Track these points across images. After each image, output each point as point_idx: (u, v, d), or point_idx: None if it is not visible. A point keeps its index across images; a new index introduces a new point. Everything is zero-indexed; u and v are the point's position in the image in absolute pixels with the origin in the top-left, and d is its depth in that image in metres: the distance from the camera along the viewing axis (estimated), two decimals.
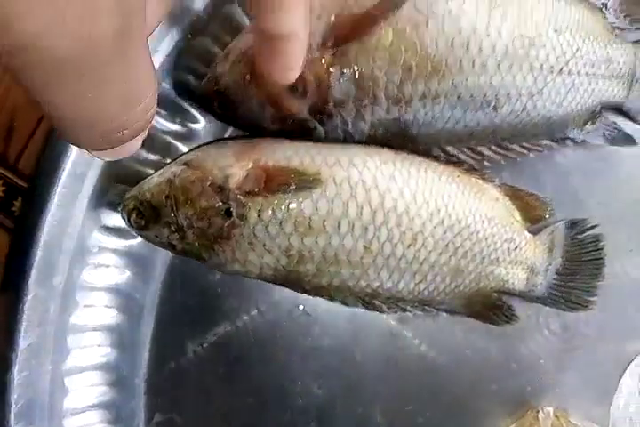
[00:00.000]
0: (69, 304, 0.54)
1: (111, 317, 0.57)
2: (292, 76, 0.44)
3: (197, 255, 0.53)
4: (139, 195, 0.52)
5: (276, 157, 0.52)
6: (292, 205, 0.51)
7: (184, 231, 0.51)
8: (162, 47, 0.52)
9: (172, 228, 0.52)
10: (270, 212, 0.51)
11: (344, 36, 0.49)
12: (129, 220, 0.53)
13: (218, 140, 0.57)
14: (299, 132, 0.53)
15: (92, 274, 0.55)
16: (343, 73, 0.50)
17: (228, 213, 0.51)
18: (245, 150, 0.53)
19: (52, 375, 0.53)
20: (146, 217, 0.52)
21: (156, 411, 0.60)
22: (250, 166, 0.51)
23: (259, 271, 0.53)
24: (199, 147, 0.56)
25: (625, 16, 0.57)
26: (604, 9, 0.57)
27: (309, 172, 0.51)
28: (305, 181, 0.51)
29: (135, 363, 0.59)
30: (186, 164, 0.53)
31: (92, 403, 0.57)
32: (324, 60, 0.50)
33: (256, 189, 0.51)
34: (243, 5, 0.55)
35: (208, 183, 0.51)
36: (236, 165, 0.52)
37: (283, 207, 0.51)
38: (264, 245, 0.51)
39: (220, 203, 0.51)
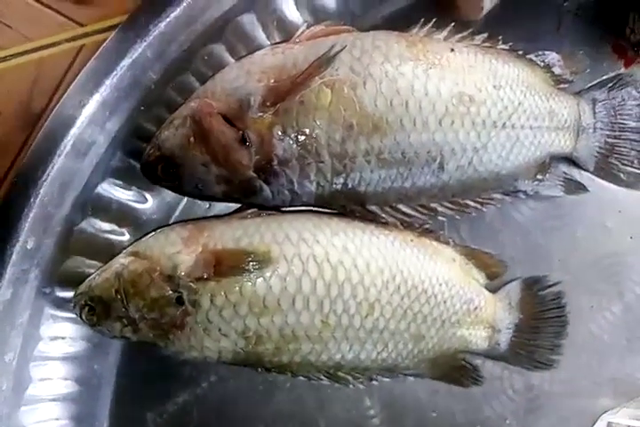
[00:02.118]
0: (23, 379, 0.53)
1: (68, 388, 0.57)
2: None
3: (153, 345, 0.53)
4: (88, 290, 0.52)
5: (225, 238, 0.52)
6: (245, 287, 0.51)
7: (137, 324, 0.51)
8: (115, 119, 0.53)
9: (125, 321, 0.52)
10: (223, 296, 0.51)
11: (283, 92, 0.50)
12: (81, 316, 0.53)
13: (166, 226, 0.57)
14: (245, 193, 0.54)
15: (47, 346, 0.54)
16: (285, 132, 0.51)
17: (179, 302, 0.51)
18: (193, 235, 0.53)
19: None
20: (97, 312, 0.52)
21: None
22: (199, 251, 0.52)
23: (217, 356, 0.53)
24: (147, 234, 0.56)
25: (567, 68, 0.59)
26: (545, 64, 0.59)
27: (259, 251, 0.51)
28: (255, 262, 0.51)
29: None
30: (134, 253, 0.53)
31: None
32: (265, 119, 0.51)
33: (206, 275, 0.51)
34: (196, 74, 0.56)
35: (157, 273, 0.51)
36: (184, 252, 0.52)
37: (235, 290, 0.51)
38: (219, 329, 0.51)
39: (171, 292, 0.51)
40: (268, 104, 0.51)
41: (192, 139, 0.52)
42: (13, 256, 0.50)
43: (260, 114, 0.51)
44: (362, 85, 0.52)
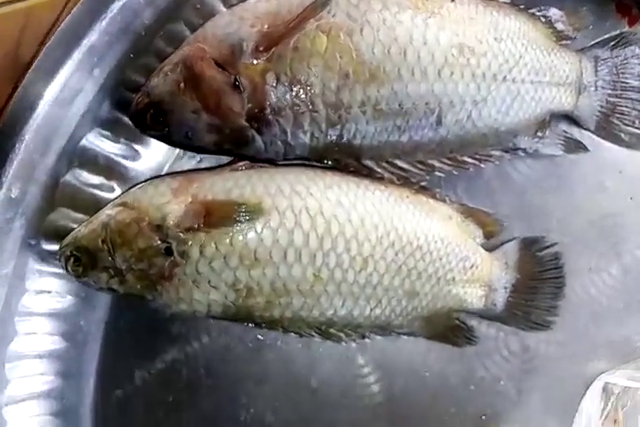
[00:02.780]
0: (8, 332, 0.52)
1: (54, 344, 0.55)
2: None
3: (141, 298, 0.51)
4: (74, 241, 0.51)
5: (215, 189, 0.51)
6: (236, 238, 0.49)
7: (124, 275, 0.50)
8: (104, 65, 0.51)
9: (111, 272, 0.50)
10: (213, 247, 0.49)
11: (277, 37, 0.49)
12: (66, 267, 0.51)
13: (155, 178, 0.56)
14: (236, 144, 0.52)
15: (32, 300, 0.53)
16: (279, 79, 0.50)
17: (168, 252, 0.49)
18: (183, 186, 0.51)
19: None
20: (83, 263, 0.50)
21: None
22: (188, 202, 0.50)
23: (207, 309, 0.51)
24: (136, 185, 0.55)
25: (570, 25, 0.58)
26: (547, 19, 0.57)
27: (251, 203, 0.50)
28: (247, 213, 0.50)
29: (80, 392, 0.57)
30: (122, 204, 0.52)
31: None
32: (258, 65, 0.50)
33: (196, 225, 0.49)
34: (187, 24, 0.54)
35: (145, 223, 0.50)
36: (173, 202, 0.50)
37: (226, 241, 0.49)
38: (209, 281, 0.50)
39: (159, 242, 0.50)
40: (261, 49, 0.50)
41: (182, 85, 0.51)
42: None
43: (253, 60, 0.50)
44: (359, 32, 0.50)
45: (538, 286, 0.59)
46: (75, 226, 0.54)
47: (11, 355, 0.52)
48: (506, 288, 0.58)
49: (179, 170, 0.58)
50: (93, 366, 0.57)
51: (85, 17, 0.50)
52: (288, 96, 0.50)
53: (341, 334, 0.55)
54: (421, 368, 0.59)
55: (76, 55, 0.50)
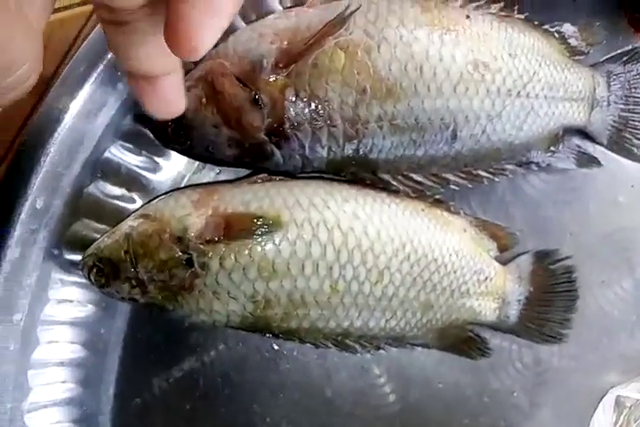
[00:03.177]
0: (30, 341, 0.53)
1: (75, 352, 0.56)
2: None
3: (161, 307, 0.53)
4: (97, 251, 0.52)
5: (235, 202, 0.52)
6: (255, 250, 0.50)
7: (145, 285, 0.51)
8: (126, 80, 0.52)
9: (133, 282, 0.51)
10: (232, 258, 0.50)
11: (296, 54, 0.50)
12: (89, 277, 0.52)
13: (176, 190, 0.57)
14: (256, 158, 0.53)
15: (54, 309, 0.54)
16: (298, 94, 0.51)
17: (189, 264, 0.50)
18: (204, 198, 0.53)
19: (12, 415, 0.51)
20: (105, 274, 0.52)
21: None
22: (209, 214, 0.51)
23: (226, 320, 0.53)
24: (157, 197, 0.56)
25: (583, 40, 0.58)
26: (560, 35, 0.58)
27: (269, 215, 0.51)
28: (265, 226, 0.51)
29: (100, 400, 0.58)
30: (144, 216, 0.53)
31: None
32: (277, 81, 0.51)
33: (216, 237, 0.50)
34: None
35: (166, 235, 0.51)
36: (194, 214, 0.51)
37: (245, 253, 0.50)
38: (228, 292, 0.51)
39: (180, 253, 0.51)
40: (280, 66, 0.51)
41: (204, 100, 0.52)
42: (22, 215, 0.49)
43: (273, 76, 0.51)
44: (376, 49, 0.51)
45: (551, 298, 0.59)
46: (97, 236, 0.55)
47: (34, 363, 0.53)
48: (519, 301, 0.58)
49: (198, 182, 0.59)
50: (113, 375, 0.58)
51: None
52: (307, 111, 0.51)
53: (357, 346, 0.56)
54: (435, 380, 0.59)
55: (101, 69, 0.51)
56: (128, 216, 0.54)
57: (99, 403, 0.58)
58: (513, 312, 0.58)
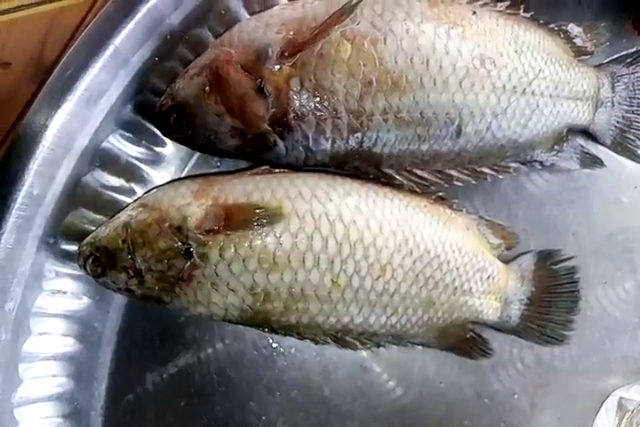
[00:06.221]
0: (22, 332, 0.51)
1: (67, 346, 0.55)
2: None
3: (158, 299, 0.51)
4: (94, 240, 0.51)
5: (236, 192, 0.51)
6: (255, 242, 0.49)
7: (142, 275, 0.50)
8: (128, 68, 0.52)
9: (130, 272, 0.50)
10: (232, 249, 0.49)
11: (302, 43, 0.49)
12: (85, 267, 0.51)
13: (176, 180, 0.56)
14: (258, 148, 0.52)
15: (47, 300, 0.53)
16: (303, 85, 0.50)
17: (188, 254, 0.49)
18: (204, 188, 0.52)
19: (1, 408, 0.50)
20: (102, 263, 0.51)
21: None
22: (209, 204, 0.50)
23: (224, 313, 0.51)
24: (157, 187, 0.55)
25: (588, 40, 0.58)
26: (565, 34, 0.58)
27: (271, 206, 0.50)
28: (267, 216, 0.50)
29: (92, 395, 0.57)
30: (143, 205, 0.52)
31: None
32: (282, 71, 0.50)
33: (216, 228, 0.49)
34: (212, 29, 0.54)
35: (166, 224, 0.50)
36: (194, 204, 0.50)
37: (245, 244, 0.49)
38: (227, 284, 0.50)
39: (180, 243, 0.50)
40: (286, 55, 0.50)
41: (207, 88, 0.51)
42: (19, 201, 0.48)
43: (278, 65, 0.50)
44: (382, 41, 0.51)
45: (553, 299, 0.58)
46: (92, 227, 0.54)
47: (24, 355, 0.52)
48: (521, 301, 0.57)
49: (198, 173, 0.58)
50: (106, 369, 0.57)
51: (112, 19, 0.51)
52: (311, 102, 0.51)
53: (357, 342, 0.54)
54: (436, 379, 0.58)
55: (102, 56, 0.50)
56: (125, 206, 0.53)
57: (90, 398, 0.56)
58: (515, 312, 0.57)
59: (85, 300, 0.56)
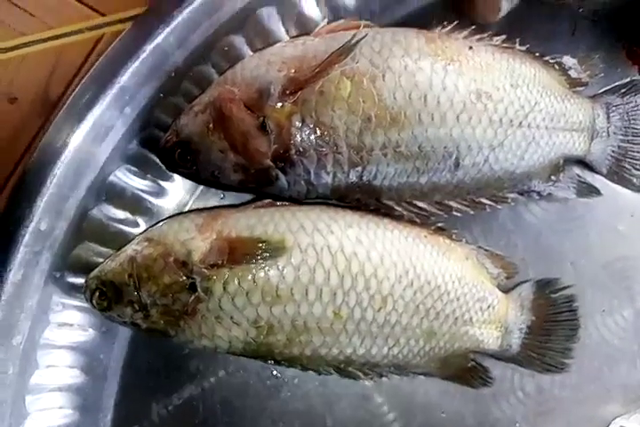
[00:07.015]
0: (29, 364, 0.52)
1: (73, 377, 0.56)
2: None
3: (163, 333, 0.52)
4: (101, 275, 0.52)
5: (239, 226, 0.52)
6: (259, 275, 0.50)
7: (148, 310, 0.51)
8: (134, 105, 0.53)
9: (136, 306, 0.51)
10: (236, 283, 0.50)
11: (303, 81, 0.51)
12: (91, 300, 0.52)
13: (180, 214, 0.57)
14: (261, 183, 0.54)
15: (54, 332, 0.54)
16: (304, 121, 0.51)
17: (192, 288, 0.50)
18: (208, 222, 0.53)
19: None
20: (108, 297, 0.51)
21: None
22: (213, 238, 0.51)
23: (228, 346, 0.52)
24: (161, 221, 0.56)
25: (582, 72, 0.59)
26: (560, 66, 0.59)
27: (273, 240, 0.51)
28: (270, 250, 0.51)
29: (98, 426, 0.57)
30: (148, 239, 0.53)
31: None
32: (284, 108, 0.51)
33: (220, 261, 0.50)
34: (215, 66, 0.56)
35: (171, 259, 0.51)
36: (198, 238, 0.51)
37: (249, 278, 0.50)
38: (231, 317, 0.51)
39: (184, 277, 0.51)
40: (288, 93, 0.51)
41: (211, 125, 0.52)
42: (26, 237, 0.49)
43: (280, 103, 0.51)
44: (381, 78, 0.52)
45: (552, 327, 0.59)
46: (99, 260, 0.54)
47: (32, 388, 0.53)
48: (521, 330, 0.58)
49: (202, 206, 0.59)
50: (111, 401, 0.57)
51: (118, 57, 0.52)
52: (312, 138, 0.52)
53: (359, 373, 0.55)
54: (438, 409, 0.59)
55: (109, 94, 0.51)
56: (132, 240, 0.54)
57: None
58: (515, 341, 0.58)
59: (91, 332, 0.56)
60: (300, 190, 0.54)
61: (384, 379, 0.56)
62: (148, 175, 0.57)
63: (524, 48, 0.58)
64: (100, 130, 0.52)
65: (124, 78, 0.51)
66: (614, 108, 0.60)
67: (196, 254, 0.51)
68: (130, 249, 0.52)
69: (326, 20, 0.57)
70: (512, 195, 0.59)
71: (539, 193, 0.60)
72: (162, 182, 0.58)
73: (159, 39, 0.51)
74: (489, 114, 0.55)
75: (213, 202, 0.60)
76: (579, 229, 0.61)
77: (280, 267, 0.51)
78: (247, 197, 0.57)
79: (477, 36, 0.57)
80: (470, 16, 0.59)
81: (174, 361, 0.58)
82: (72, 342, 0.55)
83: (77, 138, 0.51)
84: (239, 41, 0.56)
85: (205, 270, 0.50)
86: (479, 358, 0.58)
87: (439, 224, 0.58)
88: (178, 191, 0.59)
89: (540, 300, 0.59)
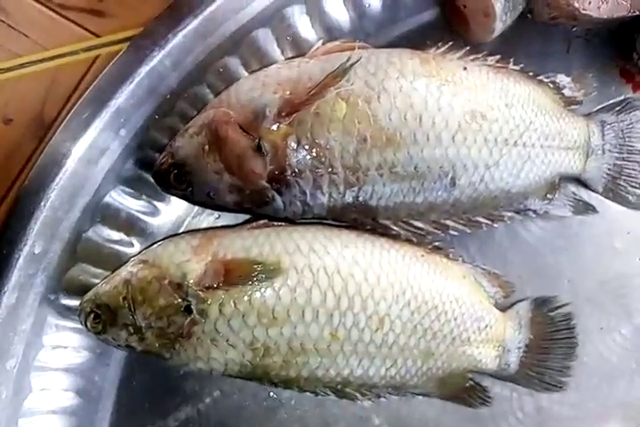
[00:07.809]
0: (23, 388, 0.52)
1: (68, 399, 0.55)
2: None
3: (158, 355, 0.52)
4: (95, 297, 0.52)
5: (235, 247, 0.52)
6: (255, 297, 0.50)
7: (143, 332, 0.51)
8: (129, 127, 0.53)
9: (131, 329, 0.51)
10: (232, 305, 0.50)
11: (298, 103, 0.51)
12: (86, 324, 0.52)
13: (175, 235, 0.57)
14: (257, 204, 0.53)
15: (48, 355, 0.53)
16: (299, 142, 0.51)
17: (187, 310, 0.50)
18: (203, 244, 0.53)
19: None
20: (103, 320, 0.51)
21: None
22: (209, 260, 0.51)
23: (224, 368, 0.52)
24: (156, 242, 0.56)
25: (577, 90, 0.60)
26: (555, 85, 0.59)
27: (269, 261, 0.51)
28: (265, 272, 0.50)
29: None
30: (143, 262, 0.53)
31: None
32: (280, 130, 0.51)
33: (216, 284, 0.50)
34: (210, 86, 0.56)
35: (166, 281, 0.51)
36: (193, 260, 0.51)
37: (244, 299, 0.50)
38: (227, 340, 0.50)
39: (179, 300, 0.50)
40: (283, 115, 0.51)
41: (206, 147, 0.52)
42: (20, 260, 0.49)
43: (275, 124, 0.51)
44: (376, 99, 0.52)
45: (550, 346, 0.59)
46: (94, 281, 0.54)
47: (25, 411, 0.52)
48: (519, 349, 0.58)
49: (197, 226, 0.59)
50: (106, 423, 0.57)
51: (114, 80, 0.52)
52: (308, 159, 0.52)
53: (357, 394, 0.55)
54: None
55: (104, 116, 0.51)
56: (126, 261, 0.54)
57: None
58: (513, 360, 0.57)
59: (85, 353, 0.56)
60: (295, 211, 0.54)
61: (382, 400, 0.56)
62: (143, 196, 0.57)
63: (518, 67, 0.59)
64: (96, 152, 0.52)
65: (120, 100, 0.52)
66: (609, 126, 0.61)
67: (191, 277, 0.50)
68: (124, 271, 0.52)
69: (321, 42, 0.57)
70: (508, 213, 0.59)
71: (535, 211, 0.60)
72: (157, 203, 0.58)
73: (154, 62, 0.51)
74: (484, 133, 0.55)
75: (209, 222, 0.59)
76: (575, 247, 0.61)
77: (276, 288, 0.50)
78: (243, 216, 0.57)
79: (472, 57, 0.57)
80: (464, 36, 0.59)
81: (170, 383, 0.57)
82: (66, 364, 0.55)
83: (72, 160, 0.51)
84: (234, 62, 0.56)
85: (201, 293, 0.50)
86: (477, 377, 0.58)
87: (436, 243, 0.58)
88: (173, 212, 0.59)
89: (538, 318, 0.59)
